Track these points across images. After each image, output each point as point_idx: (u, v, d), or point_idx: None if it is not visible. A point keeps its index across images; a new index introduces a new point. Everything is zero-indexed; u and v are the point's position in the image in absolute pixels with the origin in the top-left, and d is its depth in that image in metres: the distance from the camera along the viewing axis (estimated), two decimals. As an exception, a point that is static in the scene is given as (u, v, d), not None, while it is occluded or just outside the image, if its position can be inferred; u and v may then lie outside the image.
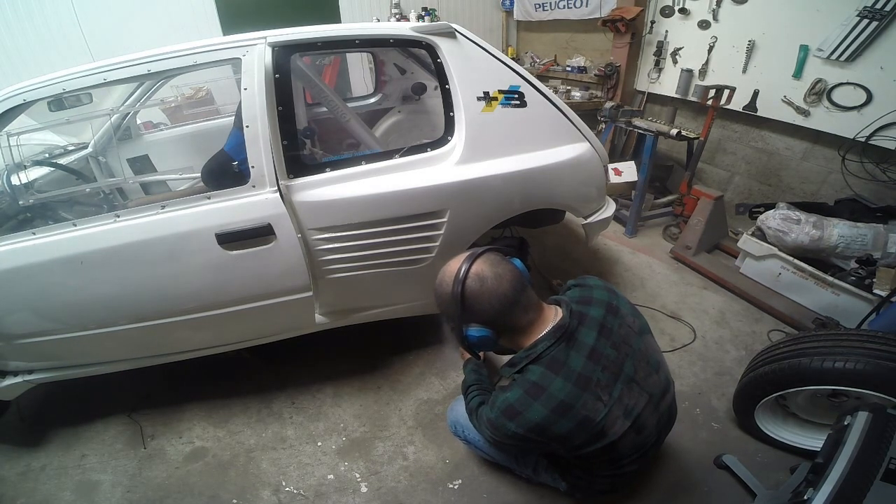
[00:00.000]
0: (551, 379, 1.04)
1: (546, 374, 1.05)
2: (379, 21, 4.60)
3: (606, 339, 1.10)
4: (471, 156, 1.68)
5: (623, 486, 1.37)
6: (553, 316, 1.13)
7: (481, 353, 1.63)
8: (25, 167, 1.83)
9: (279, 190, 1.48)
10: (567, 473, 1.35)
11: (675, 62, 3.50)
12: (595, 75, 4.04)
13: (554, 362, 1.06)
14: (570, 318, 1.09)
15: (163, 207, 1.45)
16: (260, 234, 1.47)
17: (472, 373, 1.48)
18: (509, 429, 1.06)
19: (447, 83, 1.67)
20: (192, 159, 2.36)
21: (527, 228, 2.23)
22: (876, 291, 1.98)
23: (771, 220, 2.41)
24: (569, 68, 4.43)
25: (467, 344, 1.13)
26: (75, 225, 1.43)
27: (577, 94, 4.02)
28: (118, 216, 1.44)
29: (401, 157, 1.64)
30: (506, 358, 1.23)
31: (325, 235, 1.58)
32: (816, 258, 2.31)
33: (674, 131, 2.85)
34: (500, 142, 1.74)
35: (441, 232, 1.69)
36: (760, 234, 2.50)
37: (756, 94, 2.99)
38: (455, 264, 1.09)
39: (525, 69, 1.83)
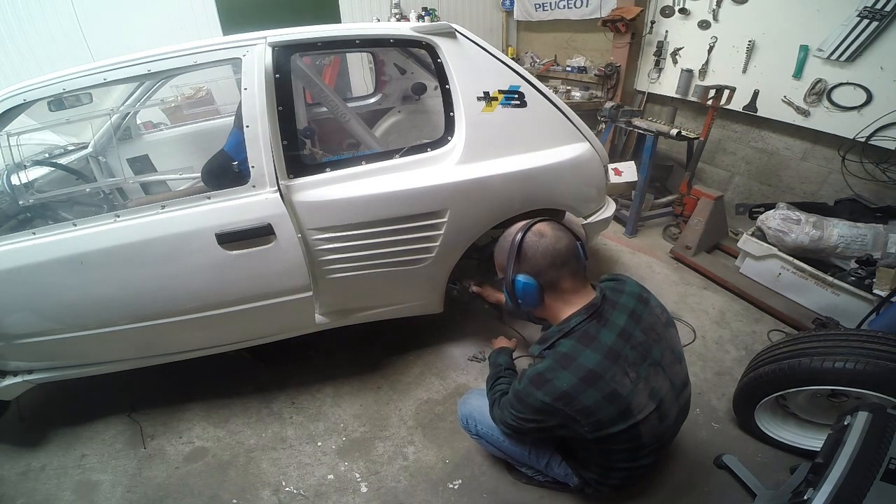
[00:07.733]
0: (581, 350, 1.09)
1: (576, 346, 1.10)
2: (379, 21, 4.60)
3: (636, 322, 1.16)
4: (471, 156, 1.67)
5: (636, 481, 1.37)
6: (591, 296, 1.19)
7: (514, 344, 1.66)
8: (25, 167, 1.83)
9: (279, 190, 1.48)
10: (583, 468, 1.33)
11: (675, 62, 3.50)
12: (595, 75, 4.04)
13: (585, 336, 1.11)
14: (603, 301, 1.16)
15: (163, 207, 1.45)
16: (260, 234, 1.47)
17: (507, 360, 1.51)
18: (536, 398, 1.09)
19: (447, 83, 1.67)
20: (192, 159, 2.36)
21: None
22: (876, 291, 1.98)
23: (771, 220, 2.41)
24: (569, 68, 4.43)
25: (513, 290, 1.18)
26: (75, 225, 1.43)
27: (577, 94, 4.02)
28: (118, 216, 1.44)
29: (401, 157, 1.64)
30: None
31: (325, 235, 1.58)
32: (816, 258, 2.31)
33: (674, 131, 2.85)
34: (501, 142, 1.74)
35: (441, 232, 1.69)
36: (760, 234, 2.50)
37: (756, 94, 2.98)
38: (522, 222, 1.20)
39: (525, 69, 1.83)
